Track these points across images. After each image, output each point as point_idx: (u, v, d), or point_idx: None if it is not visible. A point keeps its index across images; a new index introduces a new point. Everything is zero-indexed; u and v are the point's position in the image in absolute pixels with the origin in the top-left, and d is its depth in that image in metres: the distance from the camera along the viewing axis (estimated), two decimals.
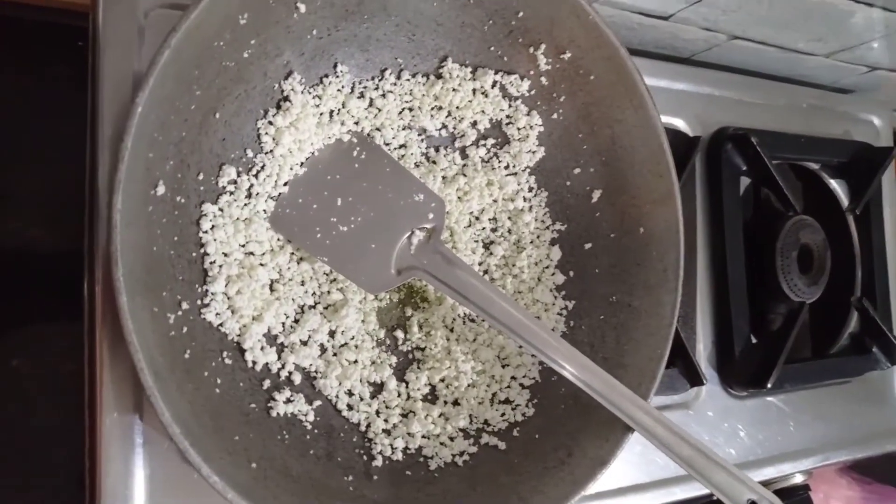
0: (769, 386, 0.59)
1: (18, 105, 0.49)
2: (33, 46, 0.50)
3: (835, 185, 0.71)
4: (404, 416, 0.45)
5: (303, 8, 0.40)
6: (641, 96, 0.45)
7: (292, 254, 0.43)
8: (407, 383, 0.46)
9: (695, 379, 0.56)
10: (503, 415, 0.46)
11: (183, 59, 0.34)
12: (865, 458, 0.69)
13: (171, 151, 0.36)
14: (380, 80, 0.46)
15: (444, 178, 0.48)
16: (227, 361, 0.39)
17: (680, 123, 0.62)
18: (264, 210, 0.42)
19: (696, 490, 0.55)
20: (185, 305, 0.37)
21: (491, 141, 0.49)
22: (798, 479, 0.64)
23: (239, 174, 0.41)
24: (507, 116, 0.49)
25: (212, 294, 0.39)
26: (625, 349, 0.45)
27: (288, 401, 0.41)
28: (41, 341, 0.47)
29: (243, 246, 0.41)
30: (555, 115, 0.49)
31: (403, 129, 0.47)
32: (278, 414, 0.40)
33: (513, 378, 0.47)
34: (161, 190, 0.36)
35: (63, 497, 0.46)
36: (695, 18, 0.60)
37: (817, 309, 0.66)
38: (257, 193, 0.41)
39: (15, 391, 0.46)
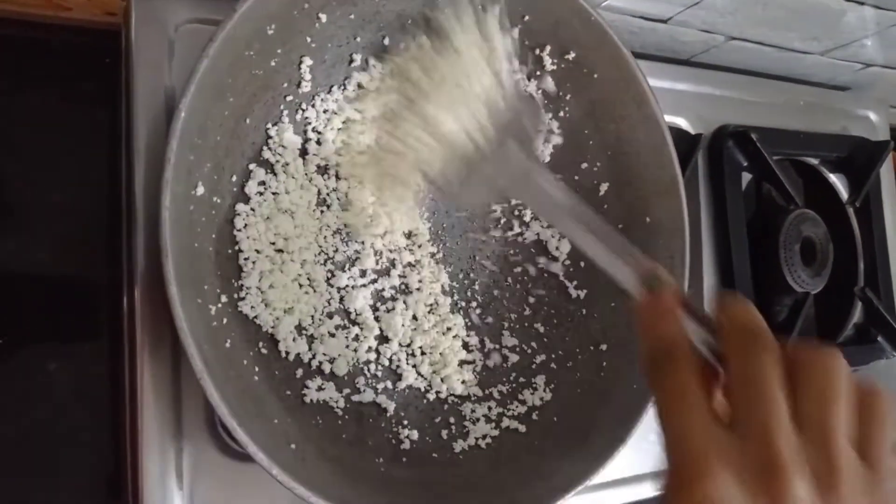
0: None
1: (43, 122, 0.50)
2: (60, 65, 0.52)
3: (834, 179, 0.73)
4: None
5: (324, 18, 0.43)
6: (644, 93, 0.47)
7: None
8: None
9: None
10: (523, 400, 0.48)
11: (218, 68, 0.37)
12: None
13: (208, 155, 0.39)
14: None
15: None
16: (263, 351, 0.41)
17: (682, 122, 0.64)
18: (291, 210, 0.44)
19: None
20: (223, 298, 0.40)
21: None
22: None
23: (267, 175, 0.43)
24: None
25: (246, 288, 0.41)
26: (635, 336, 0.47)
27: (319, 389, 0.43)
28: (70, 345, 0.48)
29: (273, 243, 0.43)
30: (561, 113, 0.51)
31: None
32: (311, 401, 0.42)
33: None
34: (200, 190, 0.38)
35: (94, 495, 0.48)
36: (693, 21, 0.62)
37: (822, 300, 0.67)
38: (286, 191, 0.44)
39: (47, 394, 0.47)
